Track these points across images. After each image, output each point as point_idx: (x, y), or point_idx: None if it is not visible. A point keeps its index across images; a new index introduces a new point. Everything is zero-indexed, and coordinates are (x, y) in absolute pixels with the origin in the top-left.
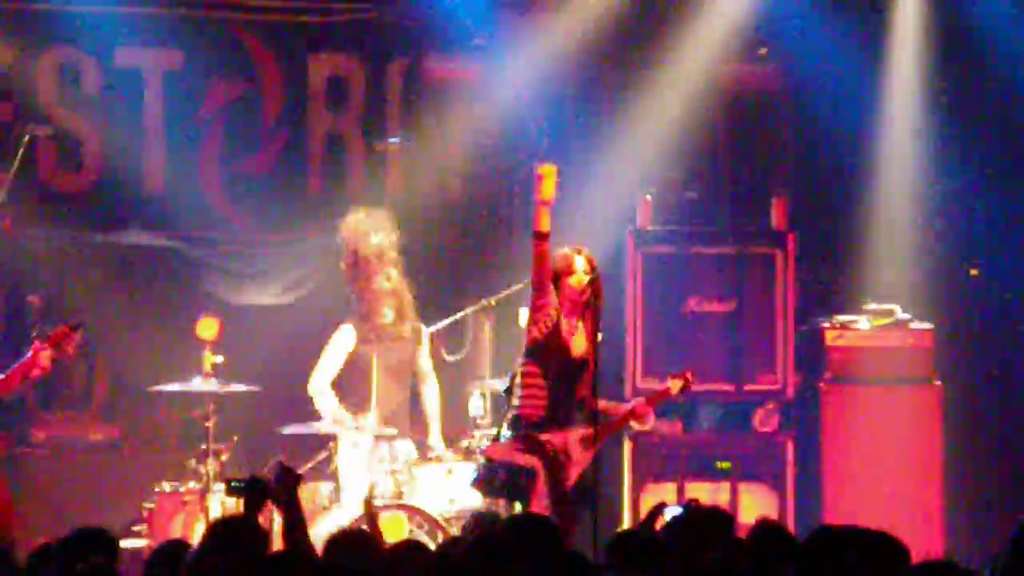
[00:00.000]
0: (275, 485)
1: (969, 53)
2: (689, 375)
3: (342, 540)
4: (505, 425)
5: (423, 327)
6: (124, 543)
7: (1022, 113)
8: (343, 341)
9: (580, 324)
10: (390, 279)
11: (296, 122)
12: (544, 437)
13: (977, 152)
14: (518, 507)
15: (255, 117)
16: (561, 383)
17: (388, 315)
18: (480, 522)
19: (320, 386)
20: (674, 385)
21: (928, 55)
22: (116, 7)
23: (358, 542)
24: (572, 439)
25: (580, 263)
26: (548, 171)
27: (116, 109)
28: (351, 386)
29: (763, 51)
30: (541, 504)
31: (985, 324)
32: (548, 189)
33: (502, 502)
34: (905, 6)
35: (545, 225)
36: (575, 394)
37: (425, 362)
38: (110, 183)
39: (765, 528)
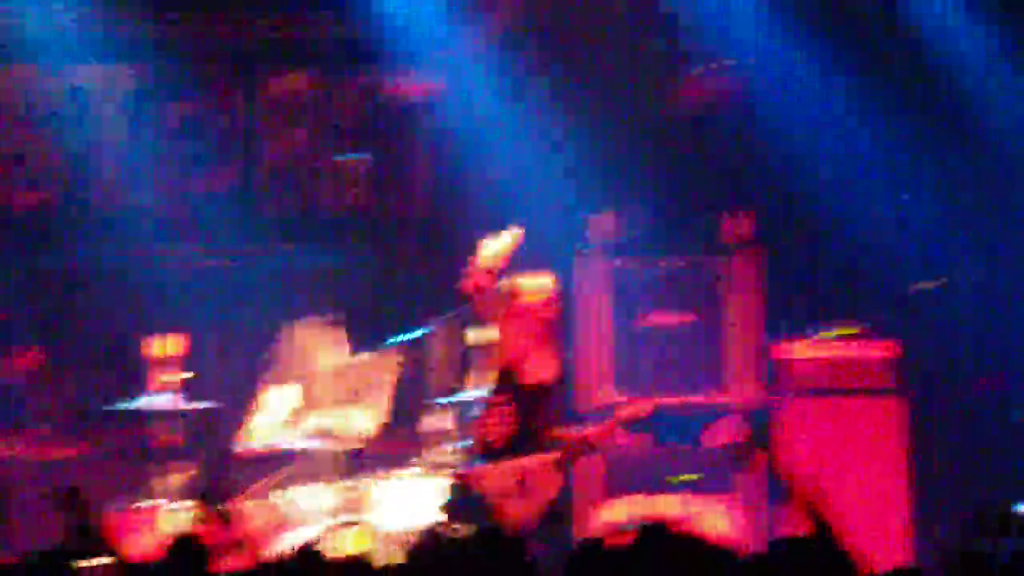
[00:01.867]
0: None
1: (931, 62)
2: (653, 400)
3: (291, 559)
4: (473, 450)
5: None
6: (87, 562)
7: (982, 128)
8: (283, 399)
9: (543, 347)
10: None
11: (256, 139)
12: (517, 463)
13: (937, 164)
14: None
15: (213, 134)
16: (526, 408)
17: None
18: (432, 539)
19: (257, 432)
20: (642, 409)
21: (890, 64)
22: (75, 25)
23: (307, 560)
24: (541, 464)
25: (538, 285)
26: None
27: (72, 127)
28: None
29: (724, 62)
30: (507, 527)
31: (948, 335)
32: (499, 255)
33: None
34: (866, 21)
35: (495, 269)
36: (540, 418)
37: None
38: (68, 201)
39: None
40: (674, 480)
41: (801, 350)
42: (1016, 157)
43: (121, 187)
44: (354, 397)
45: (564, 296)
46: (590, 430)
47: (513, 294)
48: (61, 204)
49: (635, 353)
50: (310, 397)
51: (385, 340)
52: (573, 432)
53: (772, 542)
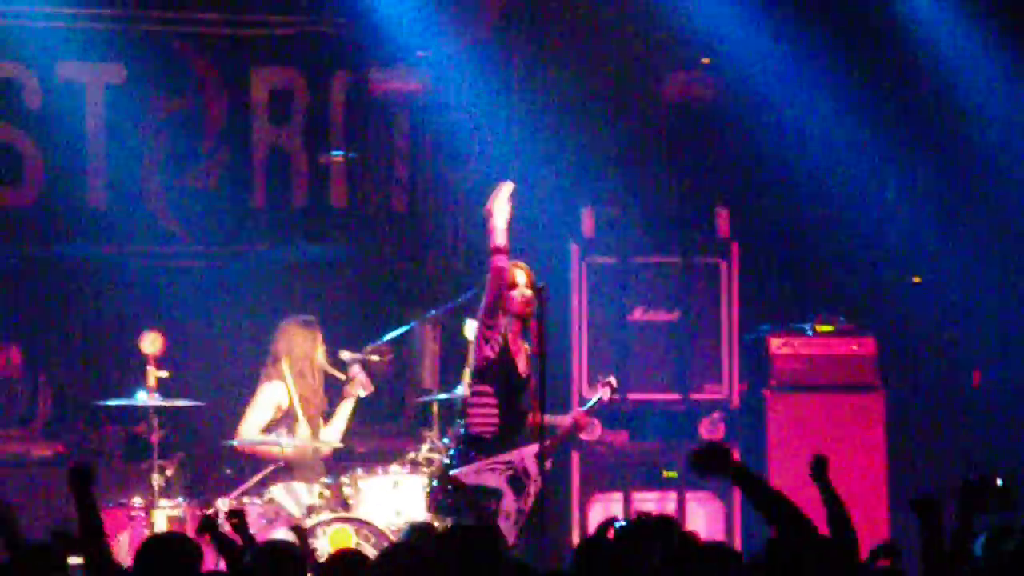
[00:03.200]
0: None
1: (910, 61)
2: (612, 379)
3: (269, 552)
4: (459, 444)
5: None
6: (72, 559)
7: (959, 121)
8: (273, 396)
9: (521, 340)
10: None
11: (239, 136)
12: (506, 457)
13: (917, 160)
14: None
15: (198, 131)
16: (510, 401)
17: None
18: (415, 533)
19: (247, 433)
20: (604, 393)
21: (869, 64)
22: (57, 21)
23: (286, 554)
24: (528, 456)
25: (522, 277)
26: (504, 189)
27: (58, 123)
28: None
29: (705, 60)
30: (508, 524)
31: (927, 331)
32: (501, 205)
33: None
34: (844, 17)
35: (500, 239)
36: (522, 411)
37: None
38: (52, 197)
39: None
40: (668, 475)
41: (780, 347)
42: (996, 156)
43: (106, 183)
44: (339, 395)
45: (553, 288)
46: (568, 419)
47: (508, 284)
48: (48, 201)
49: (619, 349)
50: (296, 395)
51: (367, 337)
52: (555, 421)
53: (771, 541)
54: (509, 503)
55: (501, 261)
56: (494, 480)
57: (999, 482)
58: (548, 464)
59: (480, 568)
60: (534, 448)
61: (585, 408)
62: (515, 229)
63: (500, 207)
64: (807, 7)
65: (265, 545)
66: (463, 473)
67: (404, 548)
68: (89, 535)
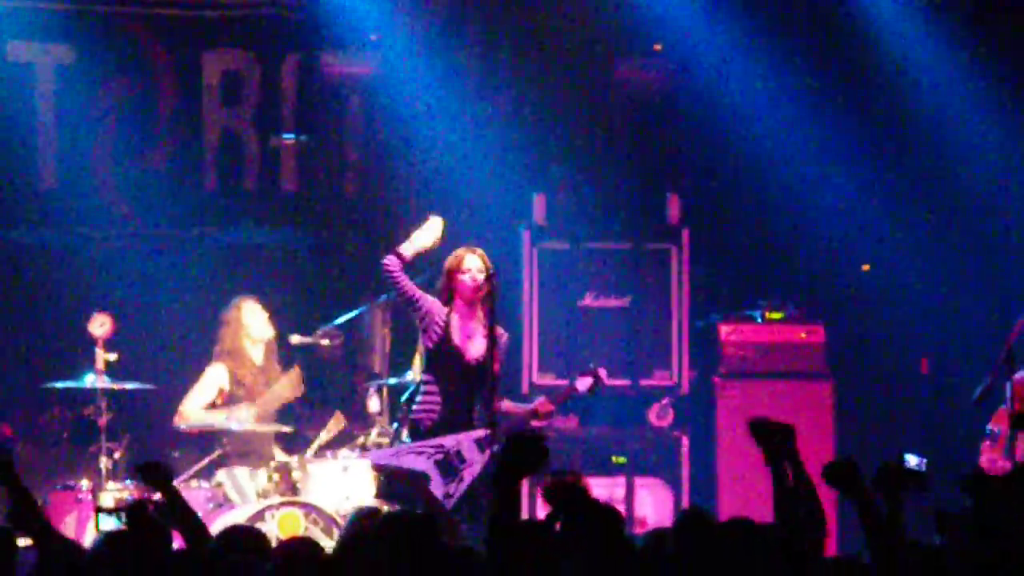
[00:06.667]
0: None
1: (859, 51)
2: (601, 372)
3: (232, 537)
4: (403, 431)
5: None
6: (19, 541)
7: (911, 110)
8: (216, 378)
9: (477, 326)
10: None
11: (191, 118)
12: (439, 440)
13: (868, 149)
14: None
15: (149, 113)
16: (458, 387)
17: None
18: (362, 519)
19: (191, 412)
20: (582, 383)
21: (819, 52)
22: (6, 1)
23: (248, 538)
24: (466, 441)
25: (473, 261)
26: (435, 223)
27: (7, 104)
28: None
29: (657, 47)
30: (434, 507)
31: (875, 319)
32: (425, 235)
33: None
34: (797, 5)
35: (407, 250)
36: (474, 397)
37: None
38: (2, 179)
39: (691, 517)
40: (617, 461)
41: (730, 334)
42: (947, 146)
43: (56, 165)
44: (284, 379)
45: (505, 273)
46: (530, 406)
47: (457, 268)
48: None
49: (569, 335)
50: (241, 378)
51: (317, 321)
52: (515, 408)
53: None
54: (436, 486)
55: (388, 260)
56: (419, 463)
57: (914, 462)
58: (491, 448)
59: (417, 555)
60: (477, 433)
61: (552, 397)
62: (467, 214)
63: (423, 236)
64: None
65: (228, 530)
66: (380, 456)
67: (357, 535)
68: (29, 517)
